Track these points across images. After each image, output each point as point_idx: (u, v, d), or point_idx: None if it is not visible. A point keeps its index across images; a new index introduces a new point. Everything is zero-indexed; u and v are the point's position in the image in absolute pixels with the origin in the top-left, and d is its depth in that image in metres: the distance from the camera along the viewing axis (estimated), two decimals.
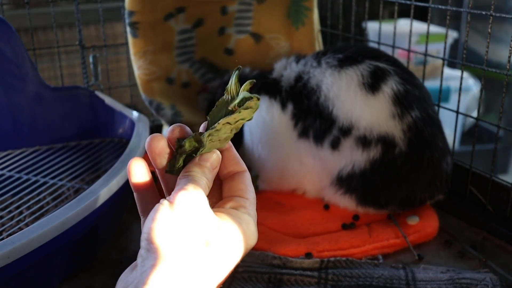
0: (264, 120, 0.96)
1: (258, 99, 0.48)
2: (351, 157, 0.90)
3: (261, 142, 0.98)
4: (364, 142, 0.88)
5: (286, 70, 0.98)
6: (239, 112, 0.48)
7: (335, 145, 0.91)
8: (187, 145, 0.49)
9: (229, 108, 0.49)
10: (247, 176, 0.51)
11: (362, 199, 0.92)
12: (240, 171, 0.51)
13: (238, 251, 0.47)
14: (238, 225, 0.48)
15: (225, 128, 0.49)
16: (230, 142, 0.51)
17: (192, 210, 0.45)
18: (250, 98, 0.48)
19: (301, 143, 0.95)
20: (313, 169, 0.96)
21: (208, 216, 0.46)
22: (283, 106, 0.95)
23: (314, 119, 0.92)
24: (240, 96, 0.49)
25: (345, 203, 0.94)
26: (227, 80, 0.54)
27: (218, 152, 0.50)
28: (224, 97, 0.50)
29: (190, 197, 0.45)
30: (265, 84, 0.98)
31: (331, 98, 0.90)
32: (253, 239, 0.49)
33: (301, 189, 1.02)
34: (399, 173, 0.89)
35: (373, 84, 0.89)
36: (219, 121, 0.48)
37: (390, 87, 0.88)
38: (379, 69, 0.90)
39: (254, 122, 0.97)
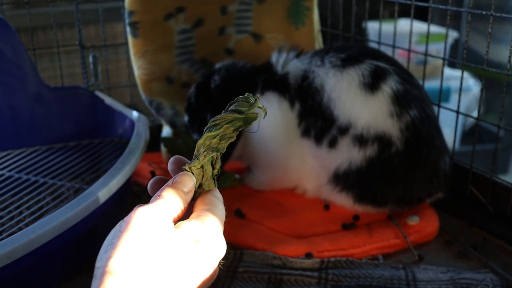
0: (275, 115, 0.96)
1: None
2: (347, 155, 0.90)
3: (270, 137, 0.98)
4: (361, 140, 0.89)
5: (289, 66, 0.98)
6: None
7: (332, 144, 0.91)
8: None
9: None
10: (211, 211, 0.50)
11: (359, 196, 0.92)
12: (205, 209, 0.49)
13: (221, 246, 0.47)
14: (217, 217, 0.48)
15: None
16: (217, 190, 0.51)
17: (149, 228, 0.45)
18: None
19: (303, 141, 0.96)
20: (312, 167, 0.96)
21: (169, 232, 0.45)
22: (292, 104, 0.96)
23: (316, 119, 0.93)
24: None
25: (342, 200, 0.94)
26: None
27: (191, 175, 0.49)
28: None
29: (146, 215, 0.46)
30: (273, 81, 0.98)
31: (333, 99, 0.91)
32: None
33: (301, 188, 1.02)
34: (395, 171, 0.89)
35: (373, 84, 0.89)
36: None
37: (389, 86, 0.89)
38: (380, 68, 0.90)
39: (266, 117, 0.97)
